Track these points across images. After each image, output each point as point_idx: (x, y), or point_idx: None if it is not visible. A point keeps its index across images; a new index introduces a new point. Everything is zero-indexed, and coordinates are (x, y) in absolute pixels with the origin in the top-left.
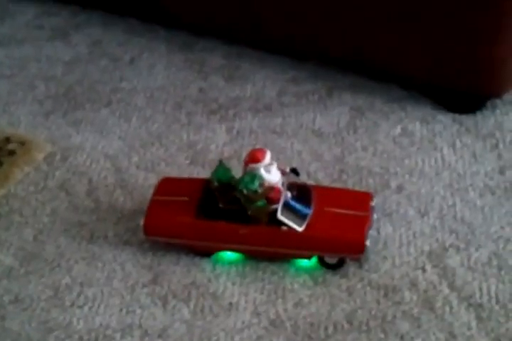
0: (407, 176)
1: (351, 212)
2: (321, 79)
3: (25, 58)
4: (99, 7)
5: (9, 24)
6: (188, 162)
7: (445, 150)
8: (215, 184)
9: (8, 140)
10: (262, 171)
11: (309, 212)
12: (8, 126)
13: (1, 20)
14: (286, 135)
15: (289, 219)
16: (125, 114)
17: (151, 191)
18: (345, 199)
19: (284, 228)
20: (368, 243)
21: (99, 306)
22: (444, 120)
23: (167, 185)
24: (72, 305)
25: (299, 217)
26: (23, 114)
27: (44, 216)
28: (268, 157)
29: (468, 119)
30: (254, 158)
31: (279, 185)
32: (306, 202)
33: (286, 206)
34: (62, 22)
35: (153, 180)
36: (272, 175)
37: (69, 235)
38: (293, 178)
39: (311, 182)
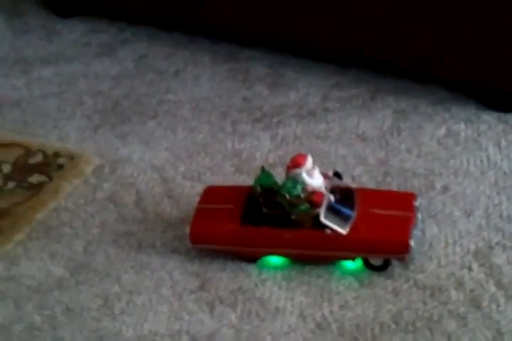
0: (452, 177)
1: (395, 213)
2: (364, 84)
3: (74, 75)
4: (145, 22)
5: (57, 42)
6: (233, 170)
7: (490, 150)
8: (258, 190)
9: (57, 155)
10: (304, 176)
11: (353, 214)
12: (57, 142)
13: (50, 38)
14: (330, 140)
15: (332, 222)
16: (171, 125)
17: (197, 200)
18: (389, 200)
19: (328, 231)
20: (412, 243)
21: (148, 313)
22: (489, 119)
23: (212, 194)
24: (122, 313)
25: (343, 219)
26: (72, 129)
27: (93, 227)
28: (310, 161)
29: None
30: (295, 163)
31: (322, 189)
32: (350, 205)
33: (330, 209)
34: (109, 38)
35: (199, 189)
36: (314, 179)
37: (118, 245)
38: (336, 182)
39: (355, 185)
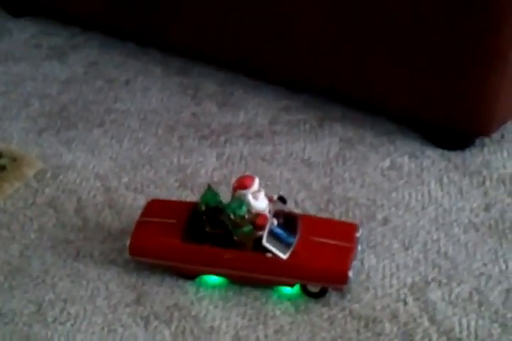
0: (393, 209)
1: (336, 242)
2: (313, 110)
3: (22, 76)
4: (98, 29)
5: (7, 41)
6: (177, 185)
7: (432, 185)
8: (203, 208)
9: None
10: (250, 198)
11: (294, 240)
12: (0, 142)
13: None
14: (275, 163)
15: (273, 246)
16: (117, 135)
17: (139, 212)
18: (331, 229)
19: (269, 255)
20: (351, 274)
21: (81, 323)
22: (433, 155)
23: (155, 207)
24: (55, 321)
25: (284, 244)
26: (16, 131)
27: (31, 232)
28: (256, 184)
29: (456, 156)
30: (242, 184)
31: (266, 212)
32: (292, 230)
33: (272, 233)
34: (61, 42)
35: (141, 201)
36: (260, 202)
37: (55, 252)
38: (280, 206)
39: (298, 210)
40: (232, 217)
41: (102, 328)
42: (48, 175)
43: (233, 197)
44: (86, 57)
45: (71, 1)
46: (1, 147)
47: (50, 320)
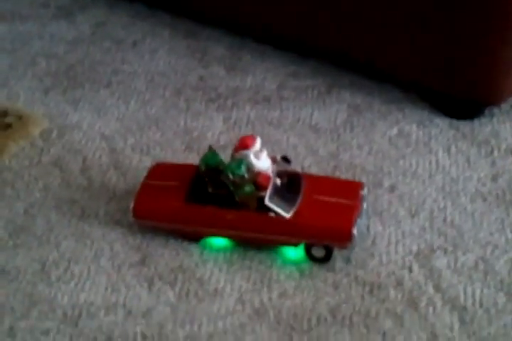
0: (400, 177)
1: (340, 201)
2: (322, 76)
3: (28, 35)
4: None
5: (14, 0)
6: (183, 148)
7: (440, 154)
8: (203, 168)
9: (5, 113)
10: (252, 157)
11: (298, 199)
12: (6, 100)
13: None
14: (282, 128)
15: (276, 205)
16: (124, 96)
17: (144, 173)
18: (335, 187)
19: (272, 214)
20: (355, 231)
21: (84, 283)
22: (441, 124)
23: (159, 170)
24: (58, 280)
25: (288, 204)
26: (22, 89)
27: (36, 191)
28: (258, 144)
29: (465, 125)
30: (243, 144)
31: (269, 172)
32: (295, 189)
33: (275, 193)
34: (68, 2)
35: (147, 163)
36: (262, 162)
37: (60, 211)
38: (283, 166)
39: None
40: (231, 176)
41: (106, 288)
42: (54, 134)
43: (233, 157)
44: (94, 17)
45: None
46: (7, 105)
47: (53, 279)
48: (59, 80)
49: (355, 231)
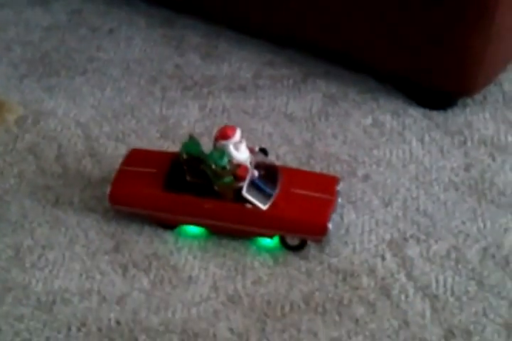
0: (374, 166)
1: (316, 195)
2: (297, 65)
3: (4, 22)
4: None
5: None
6: (158, 135)
7: (413, 144)
8: (184, 157)
9: None
10: (231, 148)
11: (275, 191)
12: None
13: None
14: (258, 116)
15: (253, 197)
16: (99, 83)
17: (119, 161)
18: (312, 181)
19: (249, 205)
20: (330, 226)
21: (59, 270)
22: (415, 114)
23: (136, 156)
24: (33, 266)
25: (264, 195)
26: None
27: (11, 177)
28: (238, 135)
29: (438, 115)
30: (224, 134)
31: (247, 163)
32: (273, 182)
33: (252, 184)
34: None
35: (122, 150)
36: (241, 153)
37: (34, 198)
38: (261, 157)
39: (278, 164)
40: (213, 167)
41: (80, 275)
42: (29, 121)
43: (215, 147)
44: (69, 4)
45: None
46: None
47: (28, 265)
48: (34, 67)
49: (330, 225)
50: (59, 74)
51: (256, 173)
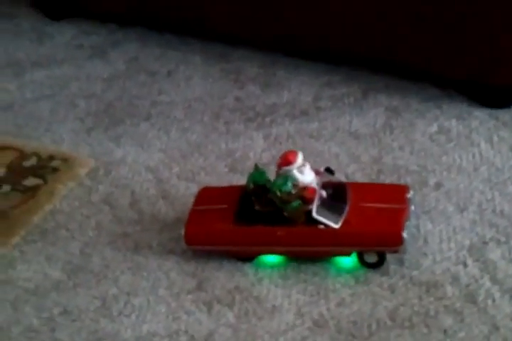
0: (445, 173)
1: (388, 206)
2: (356, 82)
3: (66, 77)
4: (135, 23)
5: (49, 45)
6: (227, 170)
7: (482, 145)
8: (251, 187)
9: (51, 157)
10: (295, 172)
11: (345, 208)
12: (51, 144)
13: (41, 41)
14: (323, 138)
15: (324, 217)
16: (164, 126)
17: (191, 200)
18: (381, 193)
19: (321, 226)
20: (405, 234)
21: (145, 314)
22: (480, 115)
23: (206, 194)
24: (120, 314)
25: (335, 214)
26: (65, 132)
27: (89, 229)
28: (300, 158)
29: (504, 114)
30: (286, 160)
31: (314, 185)
32: (342, 199)
33: (322, 204)
34: (100, 40)
35: (194, 189)
36: (306, 176)
37: (114, 247)
38: (327, 177)
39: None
40: (278, 193)
41: (167, 316)
42: (101, 172)
43: (278, 173)
44: (126, 52)
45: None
46: (52, 149)
47: (115, 313)
48: (100, 119)
49: (405, 234)
50: (124, 123)
51: (324, 193)
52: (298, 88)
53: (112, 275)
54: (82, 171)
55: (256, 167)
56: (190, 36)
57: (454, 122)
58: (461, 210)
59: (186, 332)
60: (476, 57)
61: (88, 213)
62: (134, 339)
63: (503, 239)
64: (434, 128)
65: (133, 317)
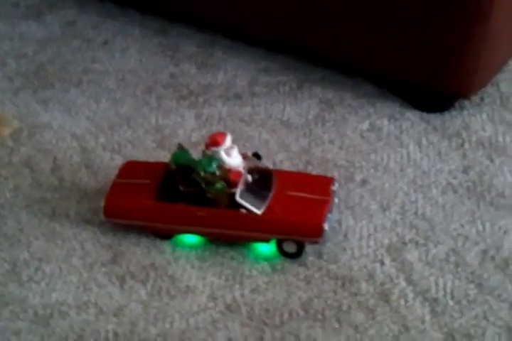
0: (371, 170)
1: (311, 196)
2: (293, 71)
3: None
4: None
5: None
6: (155, 145)
7: (411, 147)
8: (173, 167)
9: None
10: (222, 154)
11: (269, 195)
12: None
13: None
14: (254, 124)
15: (247, 201)
16: (95, 95)
17: (115, 172)
18: (306, 183)
19: (243, 211)
20: (326, 226)
21: (56, 282)
22: (412, 117)
23: (130, 168)
24: (29, 280)
25: (259, 200)
26: None
27: (7, 191)
28: (229, 140)
29: (435, 118)
30: (214, 141)
31: (240, 168)
32: (267, 186)
33: (246, 189)
34: (38, 1)
35: (119, 161)
36: (232, 158)
37: (30, 211)
38: (254, 162)
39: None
40: (202, 174)
41: (78, 287)
42: (24, 134)
43: (204, 154)
44: (63, 16)
45: None
46: None
47: (24, 279)
48: (29, 80)
49: (326, 226)
50: (54, 87)
51: (250, 178)
52: (234, 71)
53: (25, 240)
54: (6, 131)
55: (179, 146)
56: (131, 8)
57: (385, 121)
58: (384, 209)
59: (96, 304)
60: (414, 60)
61: (7, 174)
62: (41, 307)
63: (421, 241)
64: (366, 125)
65: (43, 284)
